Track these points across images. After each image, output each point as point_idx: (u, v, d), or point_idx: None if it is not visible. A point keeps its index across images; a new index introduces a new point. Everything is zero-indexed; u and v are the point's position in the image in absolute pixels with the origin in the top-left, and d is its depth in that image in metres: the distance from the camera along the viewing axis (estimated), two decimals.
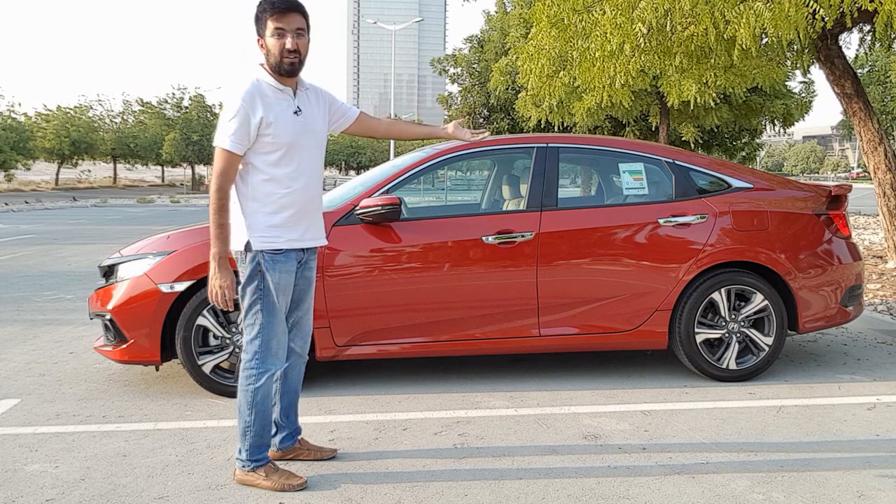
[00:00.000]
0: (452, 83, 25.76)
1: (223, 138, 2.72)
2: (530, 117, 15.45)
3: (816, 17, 5.97)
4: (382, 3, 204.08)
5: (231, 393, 4.04)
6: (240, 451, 2.94)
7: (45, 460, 3.20)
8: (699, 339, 4.32)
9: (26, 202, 27.84)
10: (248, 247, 2.81)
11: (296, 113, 2.83)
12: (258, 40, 2.80)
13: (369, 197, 4.19)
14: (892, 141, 27.43)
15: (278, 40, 2.74)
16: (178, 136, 46.35)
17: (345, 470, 3.11)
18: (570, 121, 14.15)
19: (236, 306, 2.89)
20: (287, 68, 2.78)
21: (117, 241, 12.25)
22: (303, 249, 2.94)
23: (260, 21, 2.77)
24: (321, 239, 3.03)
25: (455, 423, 3.69)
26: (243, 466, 2.93)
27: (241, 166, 2.80)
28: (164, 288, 3.98)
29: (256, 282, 2.82)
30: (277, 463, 3.03)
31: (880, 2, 5.36)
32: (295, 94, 2.87)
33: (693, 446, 3.37)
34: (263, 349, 2.85)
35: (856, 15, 6.02)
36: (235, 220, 2.83)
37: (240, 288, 2.84)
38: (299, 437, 3.21)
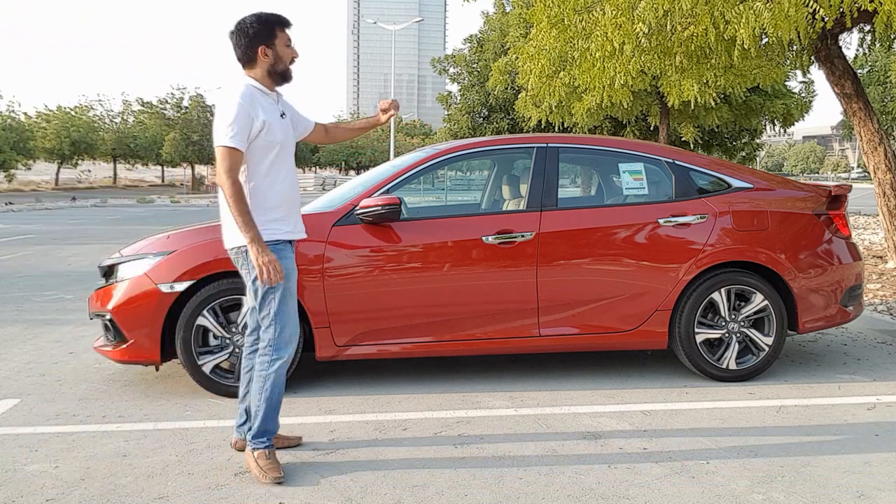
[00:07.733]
0: (452, 82, 25.80)
1: (227, 138, 2.86)
2: (530, 117, 15.47)
3: (816, 17, 5.98)
4: (382, 3, 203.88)
5: (231, 393, 4.05)
6: (249, 429, 3.08)
7: (45, 460, 3.20)
8: (699, 339, 4.32)
9: (26, 203, 27.83)
10: None
11: (282, 116, 3.07)
12: (261, 49, 2.98)
13: (369, 197, 4.19)
14: (892, 141, 27.43)
15: (291, 50, 3.05)
16: (178, 136, 46.37)
17: (345, 470, 3.11)
18: (569, 121, 14.15)
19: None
20: (291, 74, 3.08)
21: (117, 241, 12.26)
22: (290, 241, 3.10)
23: (269, 32, 2.99)
24: (304, 232, 3.22)
25: (455, 423, 3.69)
26: (250, 446, 3.07)
27: (242, 167, 2.95)
28: (164, 288, 3.98)
29: None
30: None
31: (880, 2, 5.37)
32: (277, 100, 3.09)
33: (693, 446, 3.37)
34: (277, 337, 3.00)
35: (856, 15, 6.02)
36: (230, 219, 2.95)
37: (251, 282, 2.98)
38: None
